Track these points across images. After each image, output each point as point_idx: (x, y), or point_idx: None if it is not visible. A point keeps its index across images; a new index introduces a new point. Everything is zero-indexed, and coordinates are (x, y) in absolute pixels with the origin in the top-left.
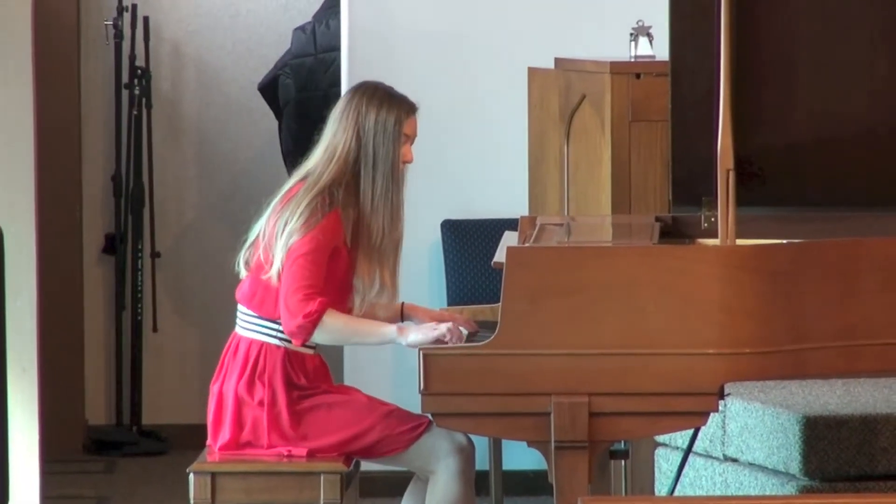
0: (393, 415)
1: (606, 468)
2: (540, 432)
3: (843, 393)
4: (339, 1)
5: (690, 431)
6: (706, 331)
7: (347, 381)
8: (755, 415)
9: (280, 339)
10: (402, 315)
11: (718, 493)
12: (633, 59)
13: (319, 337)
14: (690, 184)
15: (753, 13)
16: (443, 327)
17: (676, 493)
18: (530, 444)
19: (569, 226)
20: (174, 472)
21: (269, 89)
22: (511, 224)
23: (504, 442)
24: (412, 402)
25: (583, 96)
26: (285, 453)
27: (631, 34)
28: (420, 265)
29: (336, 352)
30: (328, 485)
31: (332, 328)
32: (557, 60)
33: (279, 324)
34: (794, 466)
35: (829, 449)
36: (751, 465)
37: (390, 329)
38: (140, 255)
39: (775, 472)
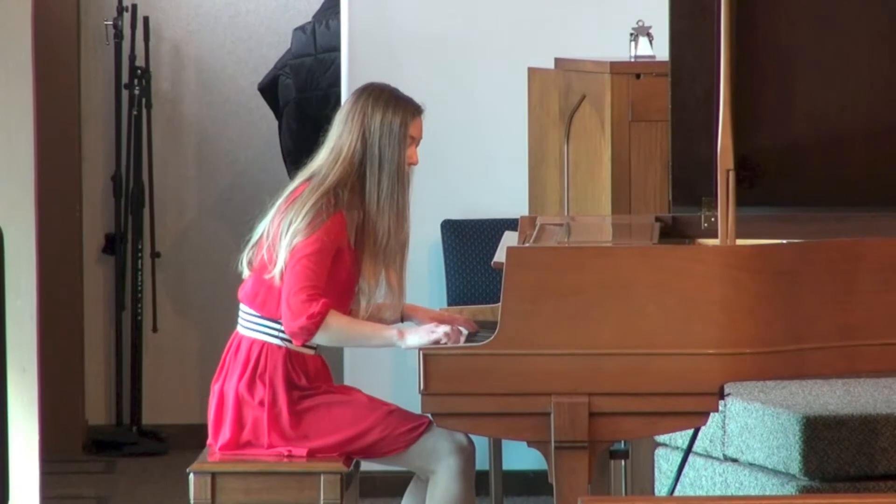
0: (393, 415)
1: (606, 468)
2: (540, 432)
3: (843, 393)
4: (339, 1)
5: (690, 431)
6: (706, 331)
7: (348, 382)
8: (755, 415)
9: (281, 339)
10: (402, 316)
11: (718, 493)
12: (633, 59)
13: (321, 338)
14: (690, 184)
15: (753, 13)
16: (440, 331)
17: (676, 493)
18: (530, 444)
19: (569, 226)
20: (174, 472)
21: (269, 89)
22: (511, 224)
23: (504, 442)
24: (412, 402)
25: (583, 96)
26: (285, 453)
27: (631, 34)
28: (420, 265)
29: (336, 352)
30: (328, 485)
31: (335, 330)
32: (557, 60)
33: (281, 324)
34: (794, 466)
35: (829, 449)
36: (751, 465)
37: (390, 332)
38: (140, 255)
39: (775, 472)
